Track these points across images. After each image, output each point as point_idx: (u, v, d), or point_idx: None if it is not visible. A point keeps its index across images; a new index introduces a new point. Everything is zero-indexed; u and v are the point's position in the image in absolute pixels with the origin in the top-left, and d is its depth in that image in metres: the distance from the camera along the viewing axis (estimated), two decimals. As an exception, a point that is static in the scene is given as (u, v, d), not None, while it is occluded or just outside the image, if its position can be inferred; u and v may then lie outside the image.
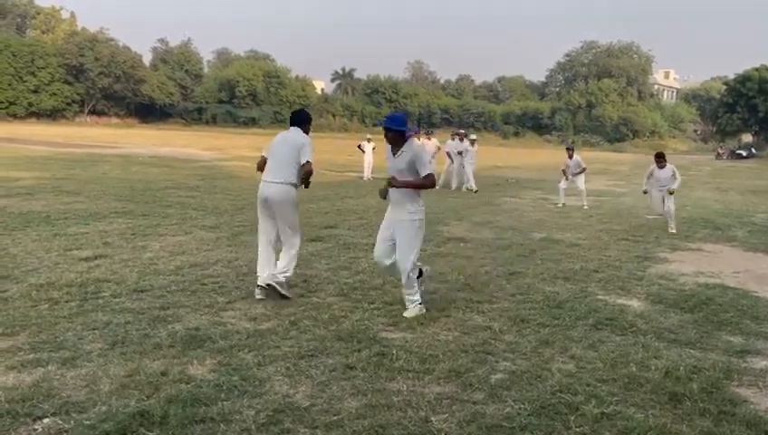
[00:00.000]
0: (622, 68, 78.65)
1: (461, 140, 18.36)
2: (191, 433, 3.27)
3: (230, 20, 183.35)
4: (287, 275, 5.81)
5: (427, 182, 5.33)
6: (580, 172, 14.90)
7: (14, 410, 3.40)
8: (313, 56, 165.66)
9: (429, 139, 19.10)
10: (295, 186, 5.79)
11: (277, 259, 5.89)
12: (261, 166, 5.97)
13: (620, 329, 5.29)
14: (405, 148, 5.36)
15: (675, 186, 11.16)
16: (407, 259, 5.36)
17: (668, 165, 11.40)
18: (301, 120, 5.98)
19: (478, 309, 5.70)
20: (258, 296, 5.75)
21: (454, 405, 3.71)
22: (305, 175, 5.76)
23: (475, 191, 17.11)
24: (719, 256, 8.98)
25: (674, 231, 10.87)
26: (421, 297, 5.56)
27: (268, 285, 5.72)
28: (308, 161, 5.69)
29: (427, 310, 5.51)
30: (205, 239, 8.46)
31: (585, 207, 14.18)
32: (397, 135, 5.37)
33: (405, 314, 5.40)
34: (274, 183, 5.72)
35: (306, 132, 5.93)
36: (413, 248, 5.39)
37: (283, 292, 5.73)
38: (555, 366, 4.38)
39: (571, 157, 15.01)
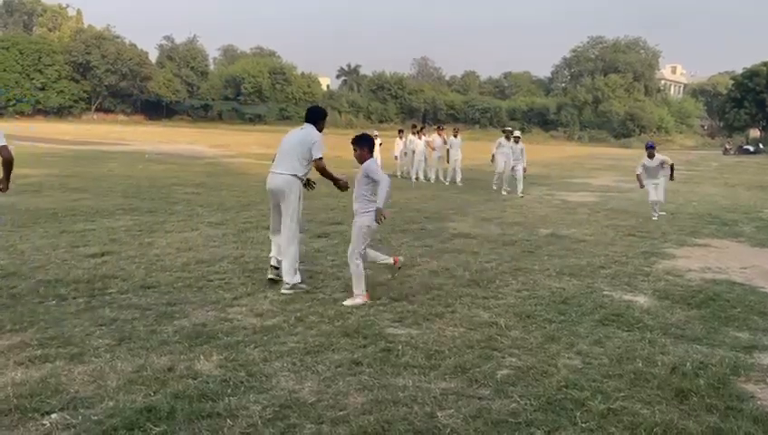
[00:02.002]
0: (629, 63, 78.19)
1: (507, 138, 16.49)
2: (198, 428, 3.28)
3: (236, 17, 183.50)
4: (295, 278, 5.94)
5: None
6: (666, 172, 11.97)
7: (22, 406, 3.42)
8: (319, 53, 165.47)
9: (440, 134, 19.09)
10: (299, 178, 6.01)
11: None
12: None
13: (627, 325, 5.27)
14: None
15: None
16: None
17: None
18: (315, 116, 6.25)
19: (484, 305, 5.70)
20: (269, 276, 6.16)
21: (460, 401, 3.71)
22: (319, 171, 6.07)
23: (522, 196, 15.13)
24: (726, 252, 8.93)
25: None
26: None
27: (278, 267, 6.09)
28: (320, 157, 5.99)
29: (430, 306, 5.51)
30: (211, 236, 8.48)
31: (654, 217, 11.80)
32: None
33: None
34: (277, 173, 6.01)
35: (320, 129, 6.24)
36: None
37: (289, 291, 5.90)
38: (561, 362, 4.37)
39: (651, 156, 11.85)
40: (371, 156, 5.84)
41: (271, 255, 6.26)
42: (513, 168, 15.83)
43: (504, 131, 17.45)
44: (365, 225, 5.65)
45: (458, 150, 18.17)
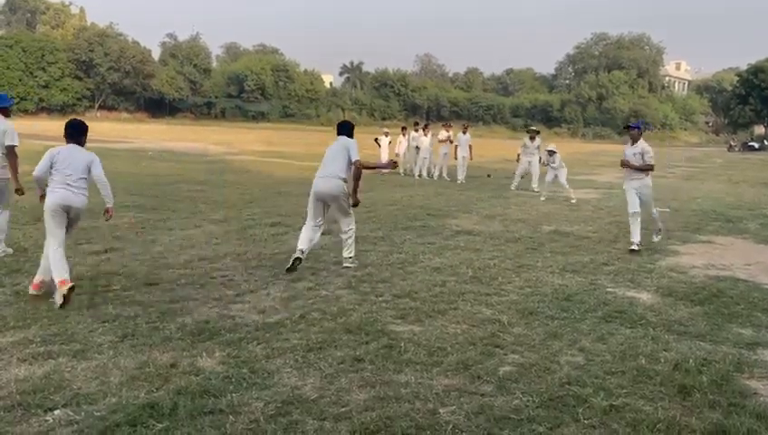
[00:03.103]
0: (633, 59, 78.03)
1: (531, 139, 16.25)
2: (200, 425, 3.28)
3: (238, 14, 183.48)
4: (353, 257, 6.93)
5: None
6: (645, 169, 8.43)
7: (25, 402, 3.44)
8: (322, 50, 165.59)
9: (448, 130, 19.01)
10: (345, 180, 6.69)
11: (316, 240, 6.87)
12: None
13: (630, 321, 5.27)
14: None
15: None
16: None
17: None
18: (347, 129, 7.02)
19: (487, 302, 5.70)
20: (288, 266, 6.44)
21: (462, 397, 3.71)
22: (355, 176, 6.74)
23: (540, 195, 14.40)
24: (730, 249, 8.91)
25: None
26: None
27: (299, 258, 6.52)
28: (357, 160, 6.67)
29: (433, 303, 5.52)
30: (214, 233, 8.50)
31: (657, 238, 8.94)
32: None
33: None
34: (326, 177, 6.64)
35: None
36: None
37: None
38: (564, 359, 4.37)
39: (634, 140, 8.52)
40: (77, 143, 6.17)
41: (299, 247, 6.58)
42: (551, 175, 14.79)
43: (528, 132, 16.98)
44: None
45: (465, 147, 18.01)
